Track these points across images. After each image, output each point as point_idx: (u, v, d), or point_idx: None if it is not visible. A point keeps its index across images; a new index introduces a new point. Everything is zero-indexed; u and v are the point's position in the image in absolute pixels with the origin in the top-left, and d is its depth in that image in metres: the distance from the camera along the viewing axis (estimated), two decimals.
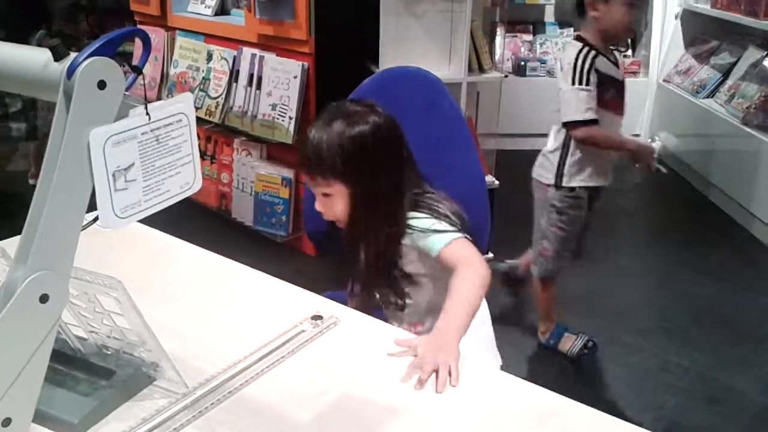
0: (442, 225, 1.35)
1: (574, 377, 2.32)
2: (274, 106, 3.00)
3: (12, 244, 0.96)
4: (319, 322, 1.15)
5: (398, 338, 1.13)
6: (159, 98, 3.44)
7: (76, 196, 0.74)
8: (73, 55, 0.73)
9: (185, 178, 0.83)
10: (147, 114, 0.77)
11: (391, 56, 2.75)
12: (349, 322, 1.17)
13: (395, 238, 1.38)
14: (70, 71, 0.71)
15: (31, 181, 3.85)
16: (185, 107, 0.81)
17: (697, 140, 4.06)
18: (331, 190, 1.34)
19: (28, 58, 0.76)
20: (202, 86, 3.35)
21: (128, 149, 0.76)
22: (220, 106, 3.26)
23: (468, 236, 1.35)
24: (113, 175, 0.74)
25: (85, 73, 0.71)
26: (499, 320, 1.63)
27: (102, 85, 0.72)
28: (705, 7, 4.13)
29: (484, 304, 1.48)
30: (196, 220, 3.30)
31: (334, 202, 1.36)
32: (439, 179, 1.48)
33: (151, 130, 0.78)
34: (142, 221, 1.50)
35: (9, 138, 3.37)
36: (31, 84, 0.76)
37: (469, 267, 1.27)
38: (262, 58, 3.05)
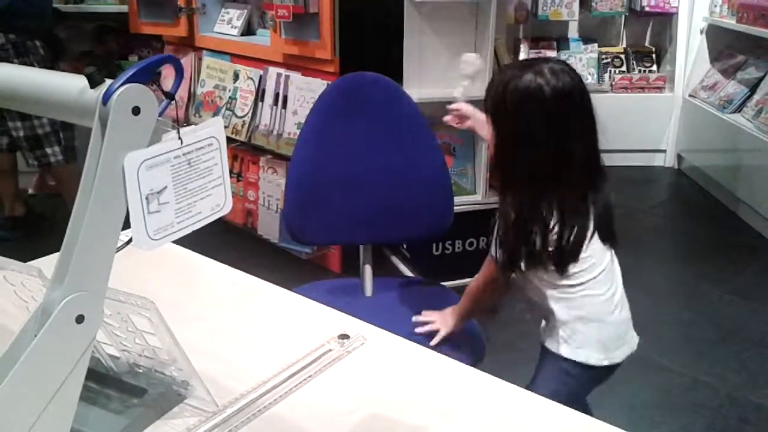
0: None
1: (599, 397, 2.30)
2: (299, 125, 3.03)
3: (47, 262, 0.99)
4: (345, 341, 1.16)
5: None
6: (186, 117, 3.49)
7: (111, 219, 0.76)
8: (108, 82, 0.75)
9: (216, 200, 0.85)
10: (179, 138, 0.79)
11: (415, 74, 2.76)
12: (376, 341, 1.17)
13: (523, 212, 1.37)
14: (106, 98, 0.73)
15: (30, 191, 3.92)
16: (216, 131, 0.83)
17: (725, 156, 4.02)
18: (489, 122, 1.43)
19: (65, 85, 0.78)
20: (228, 105, 3.39)
21: (161, 173, 0.78)
22: (247, 125, 3.30)
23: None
24: (147, 198, 0.76)
25: (120, 99, 0.73)
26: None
27: (136, 111, 0.74)
28: (731, 22, 4.11)
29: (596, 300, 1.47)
30: (222, 237, 3.34)
31: (488, 135, 1.45)
32: (406, 170, 1.71)
33: (183, 154, 0.79)
34: None
35: (48, 164, 3.41)
36: (68, 110, 0.78)
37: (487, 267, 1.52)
38: (287, 77, 3.09)
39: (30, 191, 4.06)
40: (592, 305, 1.44)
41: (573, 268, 1.40)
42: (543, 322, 1.54)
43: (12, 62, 2.81)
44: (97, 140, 0.74)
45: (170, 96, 0.80)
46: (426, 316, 1.68)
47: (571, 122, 1.36)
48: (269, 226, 3.31)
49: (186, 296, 1.34)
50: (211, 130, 0.83)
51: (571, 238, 1.37)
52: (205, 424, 0.95)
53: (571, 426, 0.98)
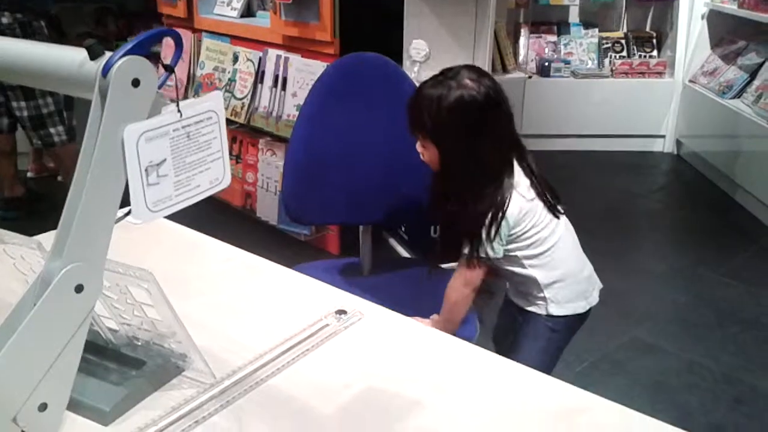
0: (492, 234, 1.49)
1: (595, 377, 2.32)
2: (298, 107, 3.03)
3: (47, 238, 1.00)
4: (343, 316, 1.17)
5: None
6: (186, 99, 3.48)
7: (110, 190, 0.77)
8: (108, 54, 0.75)
9: (215, 174, 0.86)
10: (179, 111, 0.79)
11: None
12: (373, 316, 1.19)
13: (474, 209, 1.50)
14: (106, 70, 0.74)
15: (59, 179, 3.92)
16: (215, 105, 0.84)
17: (723, 141, 4.03)
18: (424, 143, 1.54)
19: (65, 57, 0.79)
20: (228, 87, 3.39)
21: (160, 145, 0.78)
22: (246, 107, 3.30)
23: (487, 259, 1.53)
24: (146, 170, 0.77)
25: (119, 71, 0.74)
26: None
27: (136, 83, 0.75)
28: (732, 7, 4.10)
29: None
30: (221, 219, 3.35)
31: (428, 153, 1.54)
32: (405, 152, 1.66)
33: (183, 127, 0.80)
34: (169, 218, 1.54)
35: (52, 144, 3.41)
36: (68, 82, 0.79)
37: (460, 280, 1.57)
38: (287, 59, 3.09)
39: (29, 175, 4.06)
40: (565, 262, 1.58)
41: (538, 234, 1.54)
42: (517, 294, 1.66)
43: None
44: (97, 112, 0.75)
45: (170, 69, 0.81)
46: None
47: (502, 115, 1.51)
48: (268, 208, 3.32)
49: (185, 272, 1.35)
50: (211, 104, 0.84)
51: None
52: (202, 396, 0.96)
53: (569, 401, 1.00)
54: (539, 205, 1.53)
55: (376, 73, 1.91)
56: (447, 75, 1.51)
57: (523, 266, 1.57)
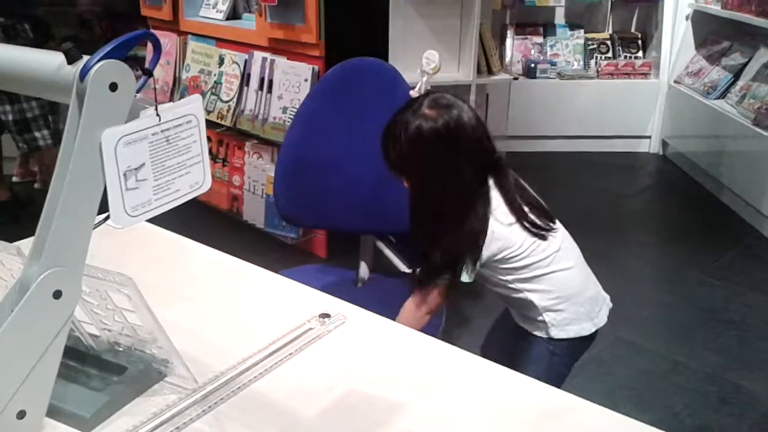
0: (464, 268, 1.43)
1: (581, 378, 2.32)
2: (284, 110, 3.02)
3: (27, 243, 0.99)
4: (326, 320, 1.17)
5: None
6: (171, 102, 3.47)
7: (88, 195, 0.76)
8: (85, 58, 0.75)
9: (195, 178, 0.85)
10: (157, 115, 0.79)
11: (400, 59, 2.76)
12: (357, 320, 1.18)
13: (450, 241, 1.44)
14: (83, 74, 0.73)
15: (36, 186, 3.90)
16: (194, 108, 0.83)
17: (708, 141, 4.05)
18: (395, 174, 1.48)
19: (43, 61, 0.78)
20: (213, 90, 3.38)
21: (139, 149, 0.78)
22: (232, 110, 3.29)
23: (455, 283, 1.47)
24: (124, 175, 0.77)
25: (97, 75, 0.73)
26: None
27: (114, 87, 0.75)
28: (716, 8, 4.13)
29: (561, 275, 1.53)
30: (207, 223, 3.34)
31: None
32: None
33: (162, 131, 0.80)
34: (154, 222, 1.53)
35: (38, 148, 3.39)
36: (45, 86, 0.78)
37: (415, 301, 1.50)
38: (272, 61, 3.08)
39: (15, 179, 4.03)
40: (563, 284, 1.50)
41: (525, 260, 1.47)
42: (517, 314, 1.60)
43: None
44: (75, 116, 0.75)
45: (148, 72, 0.80)
46: None
47: (466, 144, 1.42)
48: (255, 211, 3.31)
49: (170, 276, 1.34)
50: (190, 108, 0.83)
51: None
52: (184, 401, 0.96)
53: (550, 403, 1.00)
54: (518, 229, 1.45)
55: (376, 79, 1.88)
56: (412, 104, 1.45)
57: (517, 290, 1.51)
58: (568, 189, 4.02)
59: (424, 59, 1.76)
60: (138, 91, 0.78)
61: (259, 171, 3.26)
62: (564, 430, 0.94)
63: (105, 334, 1.01)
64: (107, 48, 0.74)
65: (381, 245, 3.02)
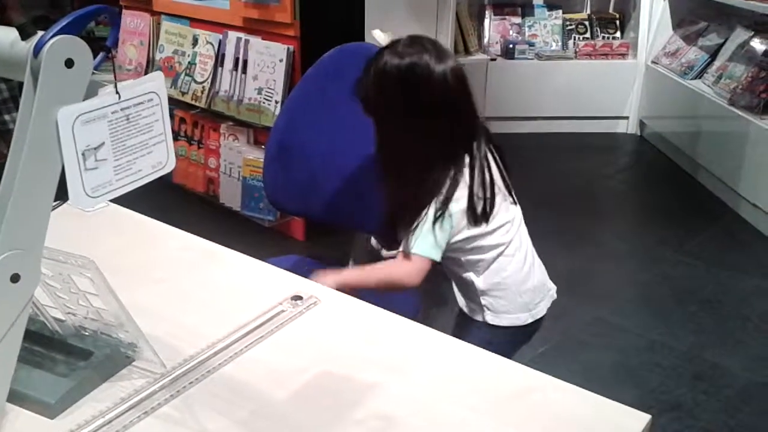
0: (435, 229, 1.37)
1: (556, 357, 2.34)
2: (260, 90, 2.99)
3: None
4: (299, 302, 1.15)
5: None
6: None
7: (45, 175, 0.74)
8: (40, 33, 0.72)
9: (158, 158, 0.83)
10: (117, 93, 0.76)
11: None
12: (329, 302, 1.17)
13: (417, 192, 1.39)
14: (37, 49, 0.71)
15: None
16: (156, 86, 0.81)
17: (685, 122, 4.07)
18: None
19: None
20: (188, 71, 3.33)
21: (98, 128, 0.75)
22: (206, 91, 3.24)
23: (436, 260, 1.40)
24: (83, 155, 0.74)
25: (51, 51, 0.71)
26: None
27: (70, 63, 0.72)
28: None
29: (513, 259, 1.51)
30: (184, 206, 3.30)
31: None
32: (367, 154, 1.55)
33: (122, 109, 0.77)
34: (125, 205, 1.51)
35: (8, 131, 3.33)
36: None
37: (398, 264, 1.40)
38: (247, 41, 3.04)
39: None
40: (506, 270, 1.48)
41: (477, 243, 1.44)
42: (460, 295, 1.57)
43: None
44: (29, 94, 0.72)
45: (107, 49, 0.78)
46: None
47: (439, 87, 1.37)
48: (231, 194, 3.28)
49: (139, 260, 1.32)
50: (151, 85, 0.81)
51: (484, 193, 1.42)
52: (152, 386, 0.94)
53: (523, 382, 0.99)
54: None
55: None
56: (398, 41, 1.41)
57: (463, 268, 1.49)
58: (545, 170, 4.02)
59: (374, 42, 1.70)
60: (96, 68, 0.75)
61: (234, 153, 3.22)
62: (537, 408, 0.94)
63: (70, 319, 0.98)
64: (62, 23, 0.72)
65: (374, 242, 3.00)
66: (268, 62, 2.93)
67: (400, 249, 1.43)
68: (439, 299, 2.53)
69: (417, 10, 2.86)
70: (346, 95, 1.48)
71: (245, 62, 3.05)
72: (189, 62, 3.32)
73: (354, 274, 1.47)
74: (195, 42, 3.30)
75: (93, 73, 0.75)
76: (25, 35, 0.73)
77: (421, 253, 1.39)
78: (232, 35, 3.10)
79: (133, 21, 3.59)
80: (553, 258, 2.75)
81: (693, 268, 2.95)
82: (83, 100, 0.74)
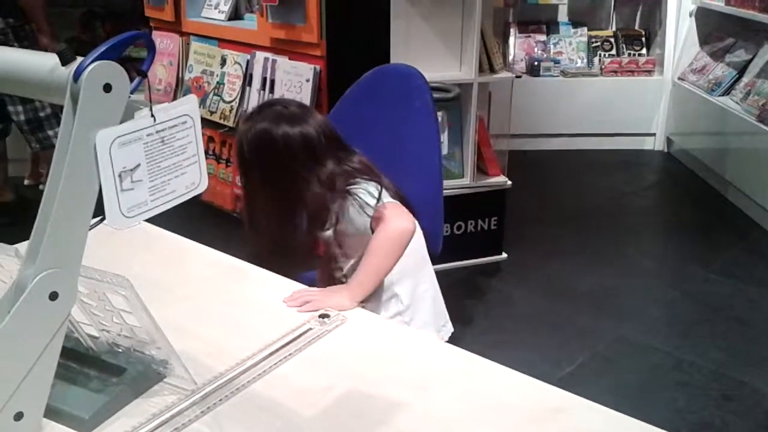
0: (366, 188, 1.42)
1: (585, 376, 2.32)
2: None
3: (26, 246, 0.99)
4: (326, 320, 1.17)
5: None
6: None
7: (83, 196, 0.76)
8: (79, 59, 0.75)
9: (191, 179, 0.85)
10: (152, 116, 0.79)
11: (402, 59, 2.75)
12: (356, 320, 1.18)
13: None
14: (77, 75, 0.73)
15: (41, 188, 3.90)
16: (190, 109, 0.83)
17: (713, 138, 4.04)
18: None
19: (36, 63, 0.78)
20: (216, 90, 3.38)
21: (134, 150, 0.78)
22: (235, 110, 3.28)
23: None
24: (119, 176, 0.77)
25: (90, 76, 0.73)
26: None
27: (108, 88, 0.75)
28: (719, 5, 4.11)
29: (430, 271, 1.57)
30: (211, 223, 3.33)
31: None
32: (400, 181, 1.52)
33: (157, 132, 0.80)
34: (155, 223, 1.53)
35: (52, 146, 3.40)
36: (39, 87, 0.78)
37: (381, 228, 1.37)
38: (274, 61, 3.08)
39: (26, 182, 4.04)
40: (427, 278, 1.55)
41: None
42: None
43: (12, 46, 2.82)
44: (69, 117, 0.75)
45: (143, 74, 0.80)
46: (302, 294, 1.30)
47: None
48: None
49: (171, 277, 1.34)
50: (185, 108, 0.83)
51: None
52: (183, 402, 0.96)
53: (549, 402, 0.99)
54: None
55: (401, 87, 1.79)
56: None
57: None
58: (572, 187, 4.01)
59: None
60: (132, 92, 0.78)
61: None
62: (562, 429, 0.94)
63: (104, 336, 1.01)
64: (101, 49, 0.74)
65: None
66: (295, 82, 2.97)
67: (370, 218, 1.41)
68: (463, 317, 2.53)
69: (442, 29, 2.88)
70: (381, 116, 1.50)
71: (272, 82, 3.09)
72: (217, 82, 3.37)
73: (360, 276, 1.35)
74: (223, 62, 3.35)
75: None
76: (65, 60, 0.75)
77: (383, 200, 1.41)
78: (260, 55, 3.14)
79: (162, 42, 3.65)
80: (579, 275, 2.75)
81: (721, 285, 2.92)
82: (120, 123, 0.76)
